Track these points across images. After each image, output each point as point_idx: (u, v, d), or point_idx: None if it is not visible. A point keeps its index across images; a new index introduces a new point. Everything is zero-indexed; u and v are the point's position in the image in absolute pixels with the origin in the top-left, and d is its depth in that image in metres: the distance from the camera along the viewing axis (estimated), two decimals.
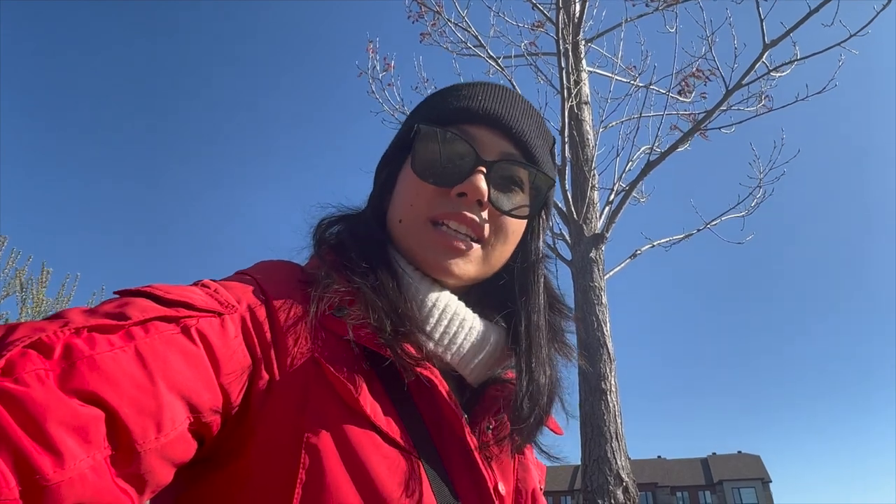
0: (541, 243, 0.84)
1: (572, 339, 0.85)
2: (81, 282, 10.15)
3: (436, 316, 0.71)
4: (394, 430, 0.63)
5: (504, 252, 0.77)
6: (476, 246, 0.74)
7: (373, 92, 6.53)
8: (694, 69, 6.20)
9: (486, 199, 0.72)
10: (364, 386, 0.63)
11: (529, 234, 0.82)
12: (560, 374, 0.80)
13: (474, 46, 5.92)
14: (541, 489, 0.81)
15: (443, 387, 0.68)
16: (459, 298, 0.75)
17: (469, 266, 0.73)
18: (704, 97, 6.27)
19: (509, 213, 0.75)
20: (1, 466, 0.39)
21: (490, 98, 0.77)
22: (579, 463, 4.64)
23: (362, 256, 0.71)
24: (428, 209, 0.73)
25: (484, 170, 0.72)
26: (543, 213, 0.83)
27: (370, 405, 0.62)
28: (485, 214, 0.73)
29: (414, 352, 0.67)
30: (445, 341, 0.71)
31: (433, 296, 0.72)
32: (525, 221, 0.78)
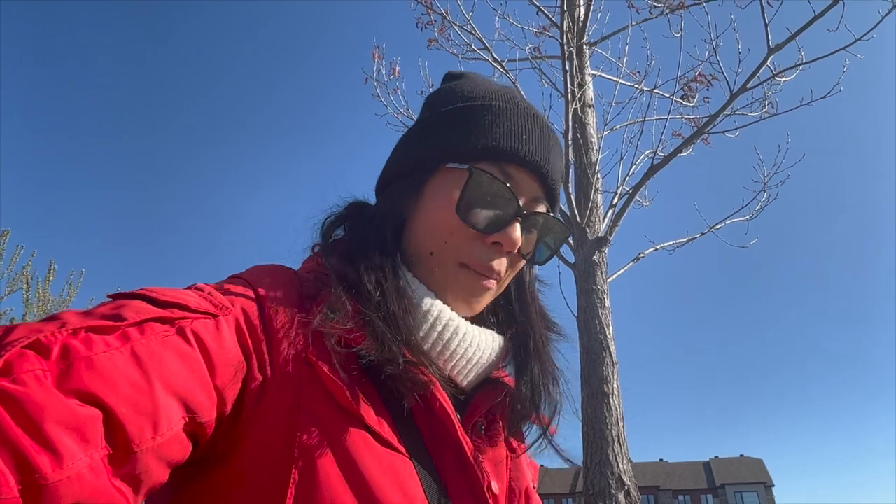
0: (534, 269, 0.88)
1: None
2: (86, 279, 10.17)
3: (429, 323, 0.71)
4: (386, 430, 0.63)
5: (508, 281, 0.80)
6: (494, 284, 0.76)
7: (378, 95, 6.55)
8: (696, 74, 6.19)
9: (516, 250, 0.74)
10: (356, 386, 0.64)
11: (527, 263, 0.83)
12: (560, 384, 0.83)
13: (479, 49, 5.92)
14: (534, 488, 0.82)
15: (437, 388, 0.68)
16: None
17: (484, 301, 0.77)
18: (707, 101, 6.26)
19: (532, 262, 0.80)
20: (0, 466, 0.39)
21: (532, 136, 0.76)
22: (581, 466, 4.63)
23: (371, 274, 0.70)
24: (461, 253, 0.73)
25: (520, 219, 0.74)
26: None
27: (362, 405, 0.63)
28: (507, 258, 0.76)
29: (418, 373, 0.66)
30: (438, 348, 0.71)
31: (427, 303, 0.71)
32: None
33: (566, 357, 0.86)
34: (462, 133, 0.75)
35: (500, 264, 0.74)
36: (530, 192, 0.76)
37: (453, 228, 0.73)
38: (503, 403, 0.79)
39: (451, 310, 0.73)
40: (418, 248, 0.75)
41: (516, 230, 0.73)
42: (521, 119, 0.77)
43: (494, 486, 0.71)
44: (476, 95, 0.79)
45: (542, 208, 0.77)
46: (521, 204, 0.74)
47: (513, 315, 0.84)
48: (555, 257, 5.33)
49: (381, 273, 0.70)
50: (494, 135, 0.74)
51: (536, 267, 0.88)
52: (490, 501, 0.69)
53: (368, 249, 0.72)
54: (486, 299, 0.77)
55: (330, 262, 0.71)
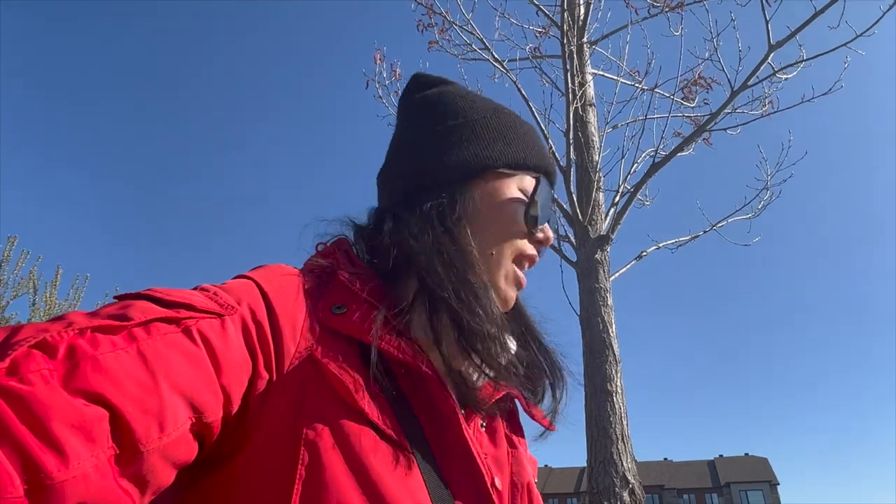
0: None
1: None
2: (91, 283, 10.19)
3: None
4: (389, 426, 0.64)
5: None
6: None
7: (380, 97, 6.57)
8: (696, 76, 6.19)
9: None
10: (361, 383, 0.64)
11: None
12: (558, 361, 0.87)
13: (479, 49, 5.91)
14: (534, 482, 0.82)
15: (442, 384, 0.69)
16: None
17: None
18: (707, 102, 6.26)
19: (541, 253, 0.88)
20: (6, 465, 0.39)
21: (545, 149, 0.89)
22: (585, 465, 4.63)
23: (458, 281, 0.74)
24: (516, 249, 0.82)
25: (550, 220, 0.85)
26: None
27: (367, 402, 0.63)
28: None
29: (414, 353, 0.68)
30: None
31: None
32: None
33: (568, 354, 0.89)
34: (513, 144, 0.85)
35: (537, 256, 0.85)
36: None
37: (515, 230, 0.81)
38: (504, 400, 0.79)
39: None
40: (478, 248, 0.79)
41: (549, 229, 0.85)
42: (534, 133, 0.89)
43: (498, 482, 0.72)
44: (494, 106, 0.88)
45: None
46: (552, 209, 0.86)
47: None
48: (557, 256, 5.31)
49: (474, 284, 0.74)
50: (535, 149, 0.86)
51: None
52: (494, 498, 0.69)
53: (440, 253, 0.75)
54: None
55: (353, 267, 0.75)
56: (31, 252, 9.27)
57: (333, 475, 0.58)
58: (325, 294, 0.69)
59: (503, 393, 0.78)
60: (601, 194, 5.50)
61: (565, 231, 5.46)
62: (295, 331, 0.64)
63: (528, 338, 0.86)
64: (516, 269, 0.82)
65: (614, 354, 4.73)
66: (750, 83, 4.92)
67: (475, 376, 0.75)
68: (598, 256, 5.05)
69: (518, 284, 0.83)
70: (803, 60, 4.96)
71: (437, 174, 0.81)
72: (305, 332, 0.64)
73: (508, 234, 0.81)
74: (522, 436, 0.85)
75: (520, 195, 0.82)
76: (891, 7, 4.59)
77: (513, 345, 0.78)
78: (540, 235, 0.83)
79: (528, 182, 0.83)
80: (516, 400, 0.84)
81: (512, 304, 0.83)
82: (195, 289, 0.63)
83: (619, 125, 6.09)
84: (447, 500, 0.65)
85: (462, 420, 0.70)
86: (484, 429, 0.76)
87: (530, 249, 0.83)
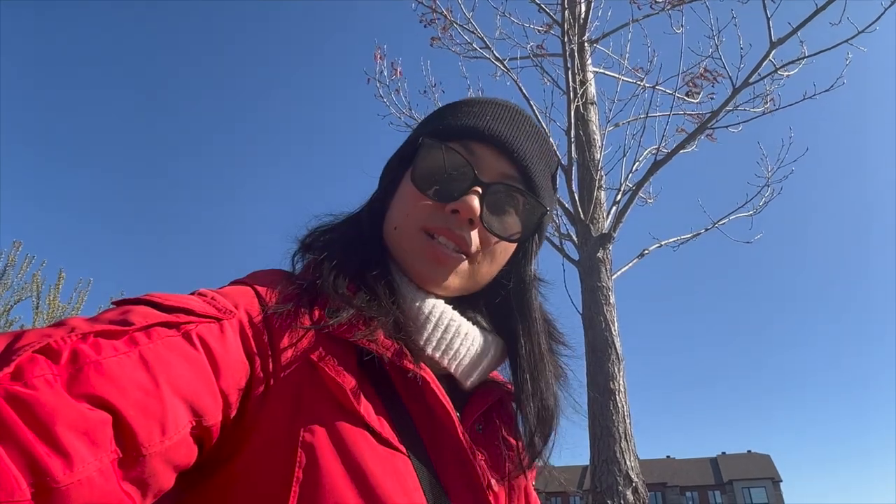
0: (532, 266, 0.85)
1: (569, 362, 0.88)
2: (93, 287, 10.24)
3: (432, 323, 0.72)
4: (385, 429, 0.64)
5: (490, 270, 0.79)
6: (463, 260, 0.75)
7: (380, 96, 6.56)
8: (701, 70, 6.18)
9: (477, 218, 0.73)
10: (357, 386, 0.65)
11: (521, 256, 0.83)
12: (559, 392, 0.83)
13: (480, 48, 5.91)
14: (532, 485, 0.82)
15: (437, 388, 0.69)
16: (453, 308, 0.76)
17: (454, 279, 0.75)
18: (712, 97, 6.25)
19: (498, 236, 0.76)
20: (13, 469, 0.40)
21: (497, 118, 0.78)
22: (588, 463, 4.63)
23: (357, 264, 0.73)
24: (422, 221, 0.74)
25: (479, 190, 0.73)
26: (536, 236, 0.84)
27: (363, 405, 0.64)
28: (474, 233, 0.75)
29: (409, 357, 0.68)
30: (442, 347, 0.73)
31: (428, 304, 0.73)
32: (514, 244, 0.80)
33: (571, 367, 0.86)
34: (434, 123, 0.80)
35: (464, 230, 0.74)
36: (496, 168, 0.76)
37: (414, 200, 0.75)
38: (500, 403, 0.80)
39: (423, 288, 0.74)
40: (387, 228, 0.78)
41: (474, 199, 0.72)
42: (490, 105, 0.80)
43: (494, 484, 0.72)
44: (460, 100, 0.83)
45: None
46: (478, 175, 0.74)
47: (508, 317, 0.83)
48: (559, 255, 5.31)
49: (363, 255, 0.75)
50: (458, 117, 0.78)
51: (537, 266, 0.87)
52: (490, 500, 0.69)
53: (352, 237, 0.78)
54: (453, 277, 0.75)
55: (314, 259, 0.74)
56: (35, 256, 9.35)
57: (330, 477, 0.58)
58: (319, 299, 0.70)
59: (498, 396, 0.79)
60: (603, 193, 5.50)
61: (567, 229, 5.47)
62: (292, 334, 0.64)
63: (517, 352, 0.80)
64: (429, 242, 0.73)
65: (617, 353, 4.73)
66: (751, 80, 4.92)
67: (468, 381, 0.75)
68: (599, 255, 5.05)
69: (432, 260, 0.73)
70: (805, 57, 4.95)
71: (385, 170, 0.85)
72: (302, 335, 0.65)
73: (410, 205, 0.75)
74: (519, 438, 0.84)
75: (414, 167, 0.76)
76: (892, 3, 4.59)
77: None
78: (450, 206, 0.73)
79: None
80: (513, 403, 0.83)
81: (442, 284, 0.74)
82: (193, 294, 0.63)
83: (621, 123, 6.10)
84: (443, 502, 0.65)
85: (457, 422, 0.70)
86: (480, 431, 0.77)
87: (437, 220, 0.73)
